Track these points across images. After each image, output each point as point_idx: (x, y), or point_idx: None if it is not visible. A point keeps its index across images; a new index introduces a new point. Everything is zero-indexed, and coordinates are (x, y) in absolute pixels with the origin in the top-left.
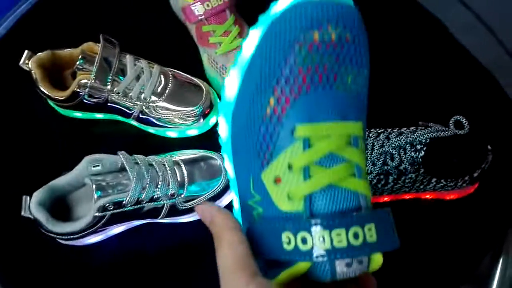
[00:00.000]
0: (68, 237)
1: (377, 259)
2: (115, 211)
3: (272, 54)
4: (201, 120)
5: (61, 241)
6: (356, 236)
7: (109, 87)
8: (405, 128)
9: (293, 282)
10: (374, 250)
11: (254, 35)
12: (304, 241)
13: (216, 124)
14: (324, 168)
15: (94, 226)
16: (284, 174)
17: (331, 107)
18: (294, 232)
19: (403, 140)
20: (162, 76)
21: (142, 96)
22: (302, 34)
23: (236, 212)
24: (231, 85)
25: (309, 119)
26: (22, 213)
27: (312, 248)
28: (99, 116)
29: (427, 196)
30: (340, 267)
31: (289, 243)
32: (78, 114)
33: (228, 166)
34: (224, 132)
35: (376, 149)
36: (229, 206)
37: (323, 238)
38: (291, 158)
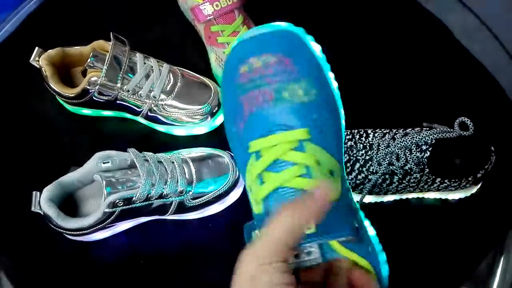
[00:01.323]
0: (77, 232)
1: (339, 249)
2: (124, 207)
3: (224, 93)
4: (209, 118)
5: (69, 236)
6: None
7: (119, 85)
8: (410, 129)
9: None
10: (312, 240)
11: None
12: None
13: (223, 123)
14: (274, 173)
15: (103, 222)
16: (251, 183)
17: (274, 121)
18: (257, 230)
19: (409, 140)
20: (171, 75)
21: (152, 94)
22: (235, 71)
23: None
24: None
25: (258, 135)
26: (32, 208)
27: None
28: (107, 113)
29: (431, 196)
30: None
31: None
32: (86, 111)
33: None
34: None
35: (382, 149)
36: (237, 202)
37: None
38: (250, 170)
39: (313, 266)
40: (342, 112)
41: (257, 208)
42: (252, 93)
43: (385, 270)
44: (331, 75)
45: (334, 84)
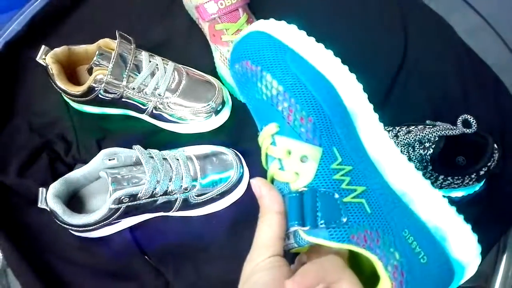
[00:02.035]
0: (83, 229)
1: (304, 236)
2: (130, 203)
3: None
4: (213, 116)
5: (74, 232)
6: None
7: (124, 82)
8: (413, 127)
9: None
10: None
11: None
12: None
13: (227, 121)
14: (268, 166)
15: (108, 219)
16: None
17: (260, 120)
18: None
19: (412, 138)
20: (176, 73)
21: (157, 92)
22: (234, 76)
23: None
24: None
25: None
26: (39, 204)
27: None
28: (112, 111)
29: None
30: None
31: None
32: (92, 109)
33: None
34: None
35: None
36: (240, 199)
37: None
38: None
39: (293, 248)
40: (340, 90)
41: None
42: (246, 98)
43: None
44: (318, 57)
45: (324, 65)
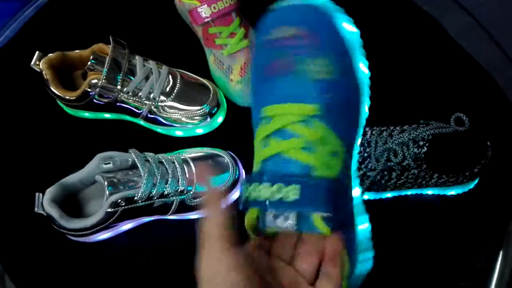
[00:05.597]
0: (80, 233)
1: (318, 223)
2: (126, 207)
3: (254, 54)
4: (208, 119)
5: (71, 237)
6: (279, 191)
7: (119, 87)
8: (407, 126)
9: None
10: (289, 208)
11: None
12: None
13: (222, 123)
14: (277, 140)
15: (105, 222)
16: (257, 144)
17: (289, 92)
18: (248, 184)
19: (406, 137)
20: (170, 76)
21: (151, 95)
22: (267, 36)
23: None
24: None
25: (272, 102)
26: (35, 209)
27: (243, 197)
28: (107, 116)
29: (429, 192)
30: (268, 217)
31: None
32: (86, 114)
33: None
34: None
35: (380, 146)
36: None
37: (247, 190)
38: (258, 132)
39: (286, 231)
40: (366, 99)
41: (255, 167)
42: (277, 60)
43: (363, 267)
44: (362, 62)
45: (363, 70)
